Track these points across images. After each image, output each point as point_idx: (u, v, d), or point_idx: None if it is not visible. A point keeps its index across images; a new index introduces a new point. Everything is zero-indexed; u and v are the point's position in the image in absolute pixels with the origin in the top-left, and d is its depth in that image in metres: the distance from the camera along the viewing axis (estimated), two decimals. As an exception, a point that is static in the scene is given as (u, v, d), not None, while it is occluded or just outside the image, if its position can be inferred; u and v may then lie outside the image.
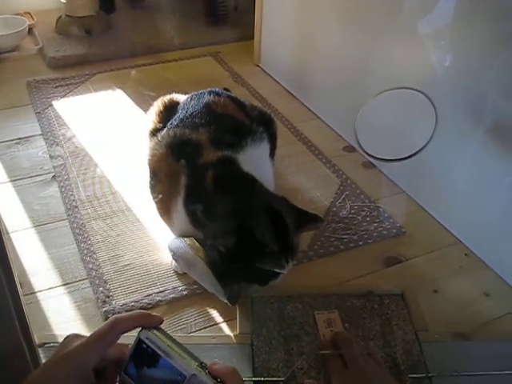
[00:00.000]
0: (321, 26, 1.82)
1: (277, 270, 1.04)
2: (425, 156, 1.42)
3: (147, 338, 0.66)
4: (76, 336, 0.69)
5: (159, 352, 0.65)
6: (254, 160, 1.25)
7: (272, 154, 1.41)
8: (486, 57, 1.23)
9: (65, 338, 0.69)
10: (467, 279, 1.30)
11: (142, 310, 0.72)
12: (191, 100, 1.37)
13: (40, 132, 1.74)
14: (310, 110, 1.92)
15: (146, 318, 0.68)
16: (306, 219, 1.14)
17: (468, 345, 1.13)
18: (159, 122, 1.38)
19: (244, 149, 1.24)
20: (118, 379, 0.69)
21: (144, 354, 0.66)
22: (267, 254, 1.03)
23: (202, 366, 0.64)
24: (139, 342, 0.66)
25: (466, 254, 1.36)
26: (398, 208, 1.48)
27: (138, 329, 0.68)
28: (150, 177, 1.29)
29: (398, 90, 1.19)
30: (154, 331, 0.66)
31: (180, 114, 1.32)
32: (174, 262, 1.24)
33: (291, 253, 1.07)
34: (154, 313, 0.70)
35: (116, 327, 0.66)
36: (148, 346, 0.65)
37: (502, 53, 1.18)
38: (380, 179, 1.59)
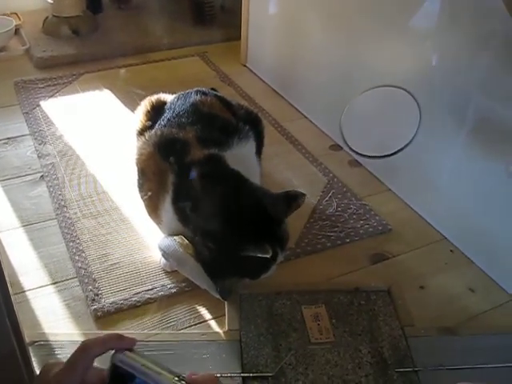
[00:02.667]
0: (307, 26, 1.83)
1: (261, 255, 1.04)
2: (411, 154, 1.44)
3: (120, 361, 0.64)
4: (53, 364, 0.68)
5: (135, 373, 0.63)
6: (241, 158, 1.26)
7: (259, 153, 1.42)
8: (470, 56, 1.25)
9: (43, 367, 0.70)
10: (453, 275, 1.32)
11: (112, 332, 0.70)
12: (178, 100, 1.38)
13: (28, 132, 1.74)
14: (296, 109, 1.94)
15: (117, 339, 0.66)
16: (289, 201, 1.15)
17: (454, 339, 1.15)
18: (147, 122, 1.38)
19: (231, 147, 1.25)
20: None
21: (120, 378, 0.64)
22: (251, 241, 1.05)
23: (179, 378, 0.63)
24: (113, 366, 0.64)
25: (451, 251, 1.38)
26: (384, 206, 1.49)
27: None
28: (138, 176, 1.30)
29: (383, 88, 1.20)
30: (127, 353, 0.65)
31: (167, 114, 1.33)
32: (162, 260, 1.25)
33: (279, 241, 1.09)
34: (123, 336, 0.67)
35: (87, 352, 0.65)
36: (123, 369, 0.63)
37: (486, 52, 1.20)
38: (366, 177, 1.61)
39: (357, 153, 1.34)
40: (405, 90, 1.15)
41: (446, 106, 1.34)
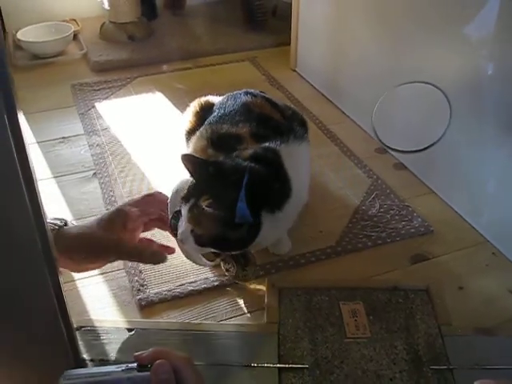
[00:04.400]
0: (356, 32, 1.86)
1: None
2: (455, 156, 1.45)
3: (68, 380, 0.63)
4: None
5: None
6: (295, 156, 1.26)
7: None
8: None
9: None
10: (493, 277, 1.31)
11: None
12: (227, 100, 1.41)
13: (83, 132, 1.82)
14: (343, 112, 1.96)
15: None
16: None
17: (491, 340, 1.15)
18: (196, 122, 1.43)
19: (286, 144, 1.25)
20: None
21: None
22: None
23: (128, 368, 0.63)
24: None
25: (493, 253, 1.37)
26: (427, 207, 1.50)
27: None
28: None
29: (416, 84, 1.22)
30: (71, 375, 0.64)
31: (218, 112, 1.36)
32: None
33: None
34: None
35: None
36: None
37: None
38: (410, 180, 1.62)
39: (387, 146, 1.35)
40: (434, 85, 1.16)
41: (492, 109, 1.34)
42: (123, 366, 0.63)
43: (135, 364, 0.64)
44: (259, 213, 1.10)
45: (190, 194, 1.11)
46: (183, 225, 1.10)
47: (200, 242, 1.10)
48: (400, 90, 1.28)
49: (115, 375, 0.62)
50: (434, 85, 1.18)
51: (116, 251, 1.06)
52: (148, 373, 0.62)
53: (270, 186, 1.13)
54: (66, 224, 1.07)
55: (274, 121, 1.34)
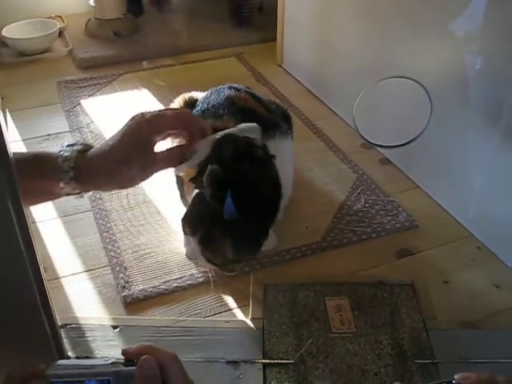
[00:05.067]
0: (341, 28, 1.86)
1: None
2: (440, 151, 1.46)
3: (56, 377, 0.61)
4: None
5: (74, 379, 0.61)
6: (278, 153, 1.27)
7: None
8: (497, 54, 1.26)
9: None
10: (478, 271, 1.32)
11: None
12: (211, 94, 1.40)
13: (68, 129, 1.81)
14: (329, 108, 1.96)
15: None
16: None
17: (475, 333, 1.15)
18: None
19: (271, 138, 1.26)
20: None
21: None
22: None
23: (114, 362, 0.62)
24: None
25: (478, 248, 1.38)
26: (412, 202, 1.50)
27: None
28: None
29: (398, 79, 1.22)
30: (57, 366, 0.62)
31: (201, 107, 1.35)
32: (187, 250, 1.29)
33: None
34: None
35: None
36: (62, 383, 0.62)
37: None
38: (396, 175, 1.62)
39: (368, 141, 1.35)
40: (415, 80, 1.16)
41: (477, 104, 1.34)
42: (111, 360, 0.63)
43: (122, 358, 0.64)
44: (269, 227, 1.14)
45: (198, 226, 1.10)
46: (192, 245, 1.12)
47: (212, 262, 1.14)
48: (382, 85, 1.28)
49: (102, 368, 0.62)
50: (413, 79, 1.18)
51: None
52: (134, 367, 0.62)
53: (274, 205, 1.15)
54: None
55: (259, 115, 1.34)
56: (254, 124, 1.07)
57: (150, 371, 0.61)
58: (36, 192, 0.95)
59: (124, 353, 0.64)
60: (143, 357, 0.62)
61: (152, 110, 1.01)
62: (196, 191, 1.12)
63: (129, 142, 0.96)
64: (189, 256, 1.17)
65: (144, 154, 0.96)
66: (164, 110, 1.11)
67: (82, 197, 0.97)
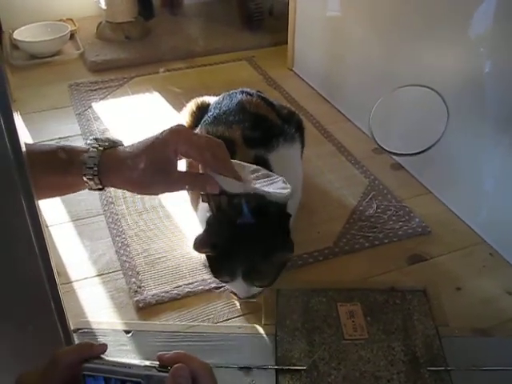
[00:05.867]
0: (353, 31, 1.85)
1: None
2: (453, 157, 1.45)
3: (90, 370, 0.62)
4: (28, 374, 0.65)
5: (106, 375, 0.62)
6: (286, 160, 1.28)
7: (301, 155, 1.45)
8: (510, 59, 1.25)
9: (18, 378, 0.66)
10: (491, 278, 1.31)
11: (83, 342, 0.69)
12: (223, 99, 1.41)
13: (79, 132, 1.82)
14: (341, 112, 1.96)
15: (87, 348, 0.64)
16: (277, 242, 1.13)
17: (488, 340, 1.15)
18: (192, 122, 1.43)
19: (276, 148, 1.27)
20: None
21: None
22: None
23: (149, 366, 0.62)
24: (83, 376, 0.62)
25: (490, 254, 1.38)
26: (424, 208, 1.50)
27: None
28: (186, 168, 1.33)
29: (413, 86, 1.22)
30: (94, 361, 0.63)
31: (213, 112, 1.36)
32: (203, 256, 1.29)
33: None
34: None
35: (57, 362, 0.62)
36: (94, 377, 0.62)
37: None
38: (408, 180, 1.62)
39: (386, 150, 1.35)
40: (432, 89, 1.16)
41: (490, 109, 1.34)
42: (145, 363, 0.63)
43: (157, 363, 0.64)
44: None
45: (233, 269, 1.10)
46: (242, 287, 1.13)
47: (262, 286, 1.15)
48: (397, 93, 1.27)
49: (135, 369, 0.62)
50: (431, 88, 1.18)
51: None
52: (166, 374, 0.62)
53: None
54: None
55: (269, 121, 1.35)
56: (287, 191, 1.04)
57: (181, 380, 0.61)
58: (58, 184, 0.96)
59: (159, 358, 0.63)
60: (176, 365, 0.61)
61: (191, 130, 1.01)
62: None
63: (157, 153, 0.96)
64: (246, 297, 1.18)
65: (168, 171, 0.95)
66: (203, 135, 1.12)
67: (104, 190, 0.97)
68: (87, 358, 0.63)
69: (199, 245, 1.09)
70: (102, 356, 0.65)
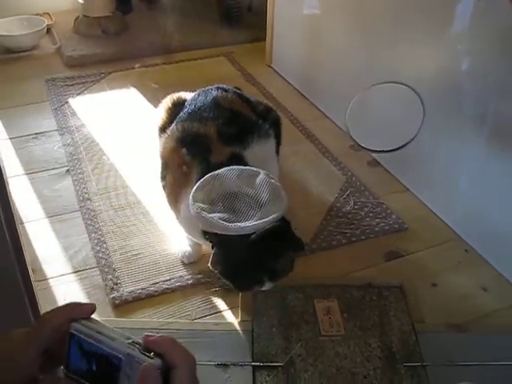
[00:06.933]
0: (331, 28, 1.86)
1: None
2: (428, 154, 1.46)
3: (76, 330, 0.62)
4: (20, 333, 0.64)
5: (90, 340, 0.61)
6: (261, 156, 1.28)
7: (277, 151, 1.45)
8: (485, 58, 1.26)
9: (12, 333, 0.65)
10: (466, 274, 1.33)
11: (71, 302, 0.66)
12: (199, 95, 1.40)
13: (56, 127, 1.80)
14: (319, 109, 1.96)
15: (75, 308, 0.64)
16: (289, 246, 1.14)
17: (463, 336, 1.16)
18: (168, 118, 1.42)
19: (251, 145, 1.27)
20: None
21: (78, 347, 0.62)
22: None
23: (133, 343, 0.61)
24: (70, 335, 0.62)
25: (466, 250, 1.39)
26: (401, 205, 1.51)
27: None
28: (162, 167, 1.32)
29: (389, 85, 1.22)
30: (82, 321, 0.63)
31: (188, 108, 1.35)
32: (181, 251, 1.29)
33: (270, 271, 1.11)
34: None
35: (45, 323, 0.62)
36: (79, 337, 0.62)
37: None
38: (385, 177, 1.63)
39: (362, 147, 1.36)
40: (408, 86, 1.17)
41: (465, 107, 1.35)
42: (132, 339, 0.62)
43: (142, 343, 0.63)
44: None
45: (261, 278, 1.11)
46: (269, 286, 1.13)
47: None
48: (374, 90, 1.28)
49: (119, 344, 0.61)
50: (407, 85, 1.18)
51: None
52: (145, 358, 0.60)
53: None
54: None
55: (243, 117, 1.35)
56: (280, 214, 1.09)
57: (149, 381, 0.59)
58: None
59: (144, 339, 0.60)
60: (145, 364, 0.60)
61: None
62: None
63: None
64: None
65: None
66: None
67: None
68: (75, 317, 0.62)
69: (215, 264, 1.10)
70: (91, 317, 0.64)
